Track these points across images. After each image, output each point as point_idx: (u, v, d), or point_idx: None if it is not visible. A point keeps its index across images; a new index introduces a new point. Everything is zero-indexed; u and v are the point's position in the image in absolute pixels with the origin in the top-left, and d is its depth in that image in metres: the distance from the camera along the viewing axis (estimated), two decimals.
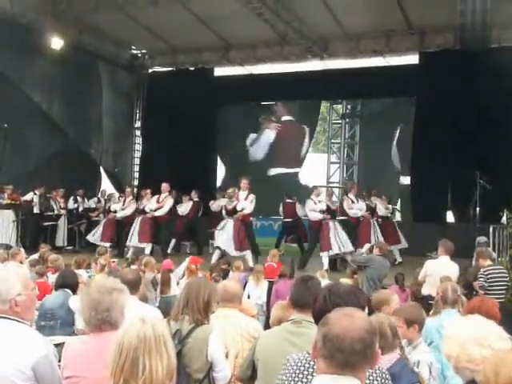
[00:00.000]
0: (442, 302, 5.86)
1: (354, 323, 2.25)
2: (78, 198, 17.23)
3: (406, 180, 19.18)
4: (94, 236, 15.49)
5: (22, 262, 10.00)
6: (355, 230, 14.08)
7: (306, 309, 3.59)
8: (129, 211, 15.47)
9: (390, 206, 15.43)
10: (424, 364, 4.42)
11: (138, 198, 16.31)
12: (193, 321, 3.94)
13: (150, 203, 15.04)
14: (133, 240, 14.71)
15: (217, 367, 3.87)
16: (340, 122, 21.27)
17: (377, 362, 2.36)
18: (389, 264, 10.00)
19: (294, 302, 3.75)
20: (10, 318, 3.12)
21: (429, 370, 4.40)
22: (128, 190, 16.24)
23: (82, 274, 9.01)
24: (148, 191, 15.46)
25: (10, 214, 14.99)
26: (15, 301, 3.13)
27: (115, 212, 15.52)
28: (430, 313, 6.22)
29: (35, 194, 15.81)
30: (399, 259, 14.37)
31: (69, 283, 6.61)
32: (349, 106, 20.85)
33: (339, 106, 21.30)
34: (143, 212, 15.03)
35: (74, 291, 6.57)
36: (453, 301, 5.77)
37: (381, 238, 13.24)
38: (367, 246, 10.24)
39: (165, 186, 15.12)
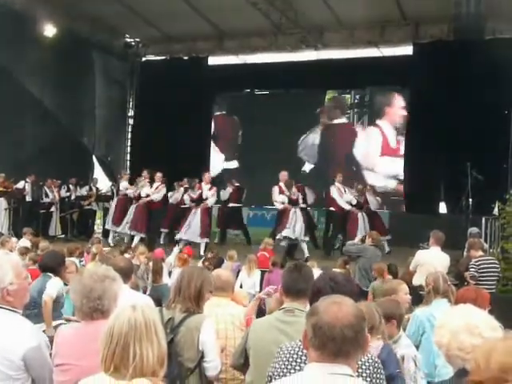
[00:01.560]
0: (434, 292, 5.85)
1: (342, 310, 2.26)
2: (71, 186, 17.19)
3: None
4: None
5: (11, 250, 10.01)
6: (341, 220, 14.26)
7: (299, 297, 3.59)
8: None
9: (378, 199, 15.59)
10: (409, 358, 4.43)
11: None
12: (185, 309, 3.93)
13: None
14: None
15: (207, 357, 3.85)
16: (348, 111, 21.01)
17: (367, 347, 2.37)
18: (381, 254, 10.04)
19: (286, 290, 3.72)
20: (1, 307, 3.11)
21: (414, 363, 4.42)
22: (159, 174, 15.28)
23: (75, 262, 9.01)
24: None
25: (2, 202, 14.97)
26: (7, 290, 3.11)
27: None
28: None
29: (26, 182, 15.77)
30: (387, 249, 14.48)
31: (50, 265, 6.56)
32: (357, 96, 20.60)
33: (347, 95, 21.02)
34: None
35: (57, 273, 6.52)
36: (444, 291, 5.77)
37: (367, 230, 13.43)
38: (359, 236, 10.27)
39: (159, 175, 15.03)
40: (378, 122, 19.16)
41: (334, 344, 2.19)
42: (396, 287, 5.61)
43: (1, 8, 15.08)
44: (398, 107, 18.94)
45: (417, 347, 5.24)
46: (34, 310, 5.91)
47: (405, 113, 18.54)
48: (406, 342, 4.65)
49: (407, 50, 17.56)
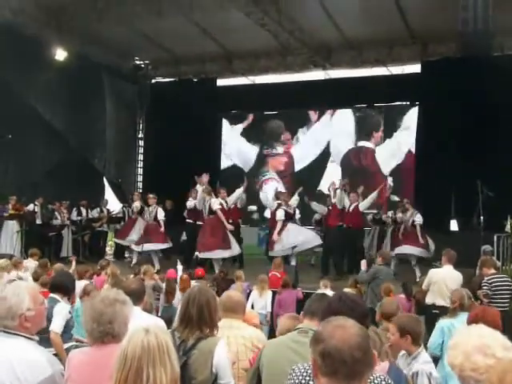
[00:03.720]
0: (460, 309, 6.29)
1: (348, 332, 2.24)
2: (82, 208, 17.23)
3: None
4: None
5: (25, 270, 10.09)
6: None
7: (315, 317, 3.61)
8: None
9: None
10: (423, 374, 4.42)
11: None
12: (196, 331, 3.89)
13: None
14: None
15: (222, 380, 3.81)
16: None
17: (376, 364, 2.36)
18: (392, 272, 10.00)
19: (305, 309, 3.82)
20: (18, 335, 3.11)
21: (428, 381, 4.40)
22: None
23: (84, 284, 9.02)
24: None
25: (14, 225, 15.03)
26: (25, 316, 3.12)
27: None
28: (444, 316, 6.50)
29: (36, 204, 15.83)
30: None
31: (60, 285, 6.54)
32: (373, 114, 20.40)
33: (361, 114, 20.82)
34: None
35: (67, 294, 6.51)
36: (468, 307, 6.13)
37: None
38: (364, 262, 10.14)
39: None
40: None
41: (346, 367, 2.17)
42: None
43: (12, 32, 15.23)
44: None
45: (439, 358, 5.32)
46: (44, 335, 5.88)
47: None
48: (425, 359, 4.64)
49: (415, 68, 17.60)
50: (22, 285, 3.37)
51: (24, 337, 3.12)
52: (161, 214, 15.19)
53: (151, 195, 15.56)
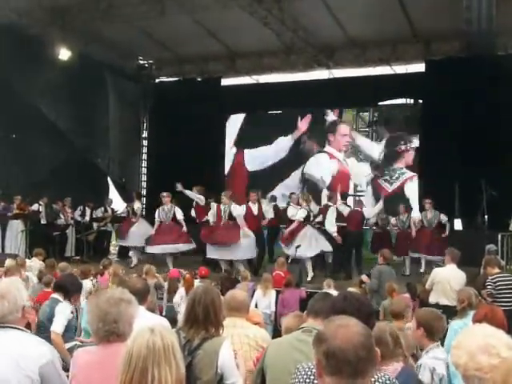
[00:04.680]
0: (469, 308, 6.34)
1: (350, 331, 2.23)
2: (87, 208, 17.24)
3: None
4: None
5: (29, 270, 10.14)
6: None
7: (319, 316, 3.61)
8: None
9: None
10: (425, 368, 4.42)
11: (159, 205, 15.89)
12: (202, 331, 3.87)
13: None
14: None
15: (229, 380, 3.79)
16: (367, 129, 20.83)
17: (378, 362, 2.36)
18: (394, 271, 9.97)
19: (309, 308, 3.80)
20: (15, 328, 3.21)
21: (430, 375, 4.38)
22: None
23: (88, 283, 9.06)
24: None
25: (18, 225, 15.06)
26: (25, 307, 3.27)
27: None
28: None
29: (40, 204, 15.86)
30: None
31: (62, 286, 6.53)
32: (376, 114, 20.58)
33: (366, 113, 20.85)
34: None
35: (67, 295, 6.48)
36: (476, 306, 6.26)
37: None
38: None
39: None
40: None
41: (350, 366, 2.16)
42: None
43: (16, 32, 15.28)
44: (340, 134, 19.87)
45: None
46: (44, 334, 5.89)
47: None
48: (435, 355, 4.63)
49: (419, 67, 17.57)
50: (17, 280, 3.54)
51: (19, 329, 3.23)
52: (180, 214, 14.84)
53: (165, 193, 15.05)
